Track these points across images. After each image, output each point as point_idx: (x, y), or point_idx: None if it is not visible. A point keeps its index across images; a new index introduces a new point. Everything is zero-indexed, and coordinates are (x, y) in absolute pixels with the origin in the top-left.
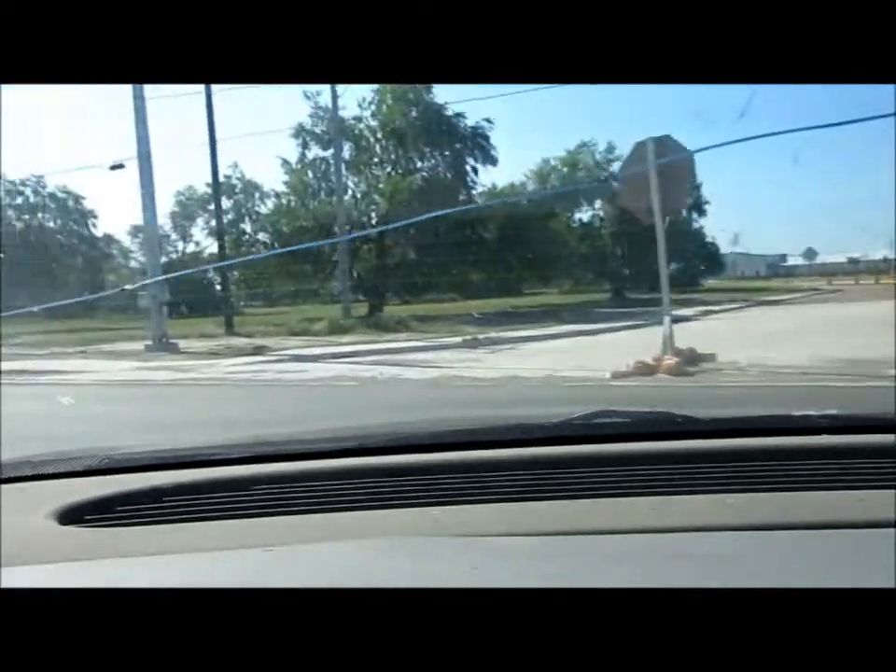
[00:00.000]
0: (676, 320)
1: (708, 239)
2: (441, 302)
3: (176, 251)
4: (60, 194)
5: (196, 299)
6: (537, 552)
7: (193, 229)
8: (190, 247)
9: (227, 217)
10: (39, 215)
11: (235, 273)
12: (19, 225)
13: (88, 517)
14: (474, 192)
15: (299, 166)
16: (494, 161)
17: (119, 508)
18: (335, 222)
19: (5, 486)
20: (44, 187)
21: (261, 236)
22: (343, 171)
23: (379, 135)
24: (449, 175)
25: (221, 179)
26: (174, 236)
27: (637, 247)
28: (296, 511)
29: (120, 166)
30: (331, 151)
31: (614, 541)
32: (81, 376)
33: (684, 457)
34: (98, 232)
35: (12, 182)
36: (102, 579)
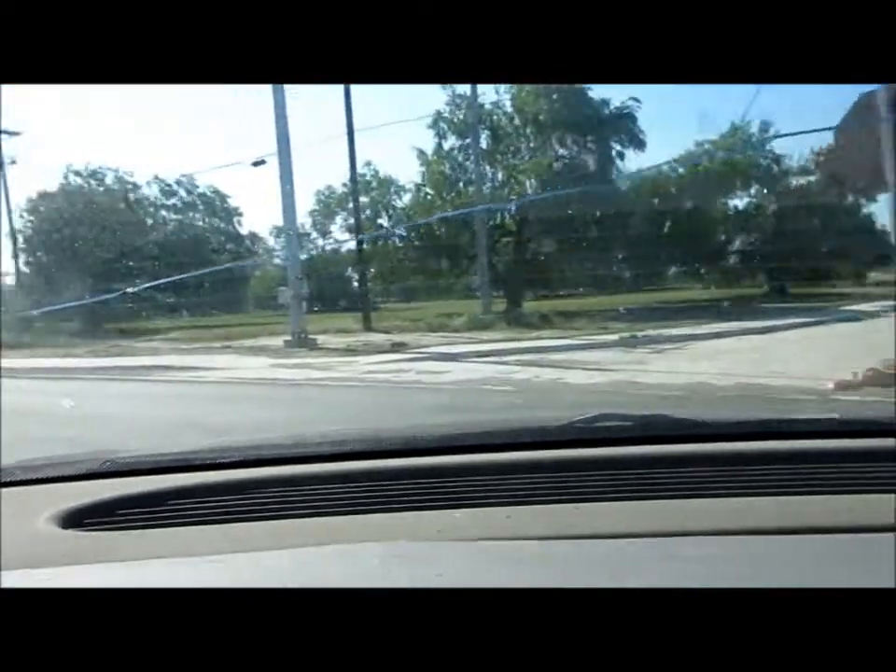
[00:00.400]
0: (856, 317)
1: (878, 226)
2: (579, 297)
3: (316, 248)
4: (209, 193)
5: (333, 294)
6: (539, 555)
7: (332, 226)
8: (329, 244)
9: (364, 213)
10: (190, 213)
11: (371, 268)
12: (172, 225)
13: (88, 521)
14: (618, 179)
15: (435, 157)
16: (641, 145)
17: (120, 511)
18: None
19: (6, 490)
20: (196, 186)
21: (398, 230)
22: (481, 160)
23: (517, 122)
24: (592, 162)
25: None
26: (314, 234)
27: (799, 237)
28: (298, 515)
29: (262, 162)
30: (469, 140)
31: (616, 545)
32: (219, 373)
33: (686, 461)
34: (243, 230)
35: (167, 183)
36: (102, 582)
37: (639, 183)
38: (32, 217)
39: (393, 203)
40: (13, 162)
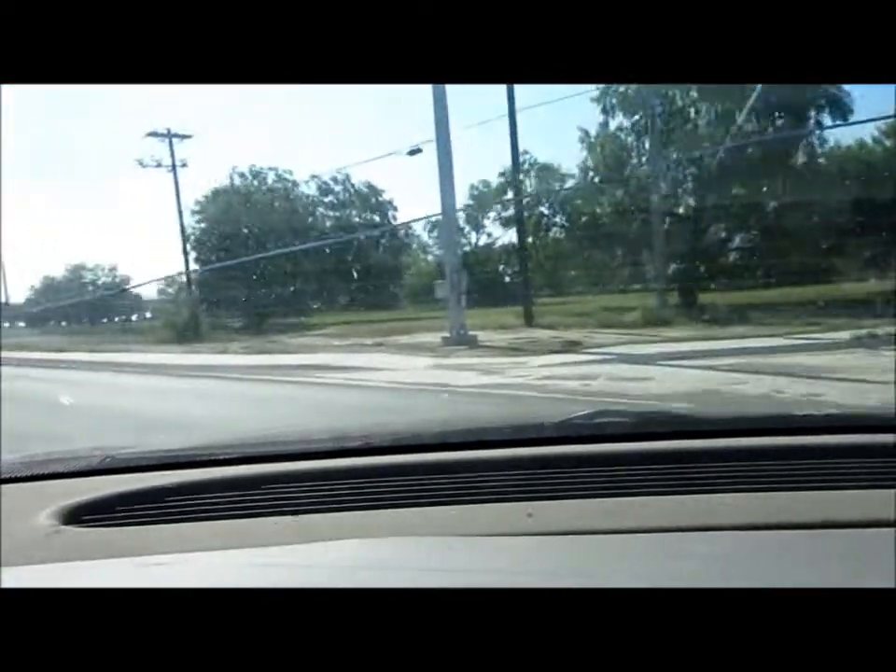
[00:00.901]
0: None
1: None
2: (762, 289)
3: (469, 242)
4: (364, 189)
5: (490, 288)
6: (538, 552)
7: (486, 218)
8: (484, 236)
9: (523, 202)
10: (346, 210)
11: (531, 260)
12: (329, 222)
13: (88, 517)
14: (816, 153)
15: (599, 138)
16: (844, 113)
17: (120, 508)
18: (647, 197)
19: (6, 486)
20: (352, 183)
21: (559, 219)
22: (653, 138)
23: (694, 94)
24: (784, 135)
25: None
26: (468, 227)
27: None
28: (297, 511)
29: (418, 150)
30: (639, 117)
31: (614, 541)
32: (379, 374)
33: (685, 457)
34: (398, 224)
35: (324, 180)
36: (102, 579)
37: (840, 158)
38: (200, 217)
39: (554, 190)
40: (184, 165)
